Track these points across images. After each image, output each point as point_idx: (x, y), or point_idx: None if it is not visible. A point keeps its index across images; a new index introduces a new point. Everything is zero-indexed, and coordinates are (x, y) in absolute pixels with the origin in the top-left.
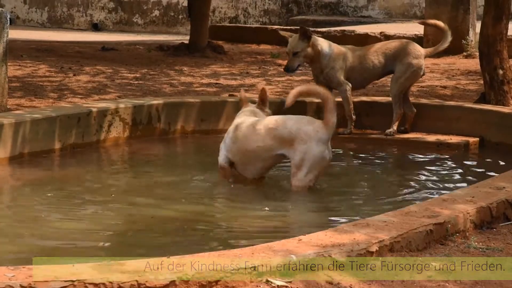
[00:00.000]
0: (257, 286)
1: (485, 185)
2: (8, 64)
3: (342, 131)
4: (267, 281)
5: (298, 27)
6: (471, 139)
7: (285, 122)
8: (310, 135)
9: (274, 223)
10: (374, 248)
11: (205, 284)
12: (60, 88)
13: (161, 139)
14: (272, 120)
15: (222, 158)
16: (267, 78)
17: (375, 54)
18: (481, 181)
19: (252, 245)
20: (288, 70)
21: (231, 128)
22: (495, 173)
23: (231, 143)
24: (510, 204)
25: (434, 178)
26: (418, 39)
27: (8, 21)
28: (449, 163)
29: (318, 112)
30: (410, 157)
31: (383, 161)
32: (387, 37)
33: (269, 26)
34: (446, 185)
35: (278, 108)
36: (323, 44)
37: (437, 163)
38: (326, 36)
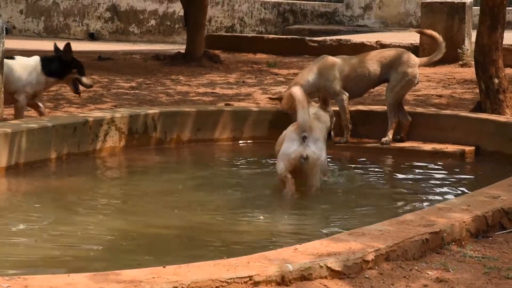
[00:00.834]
0: None
1: (480, 194)
2: None
3: (339, 140)
4: None
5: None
6: (467, 148)
7: None
8: None
9: (269, 232)
10: (370, 257)
11: None
12: (56, 97)
13: (157, 149)
14: None
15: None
16: (263, 87)
17: (370, 62)
18: (476, 190)
19: (248, 254)
20: None
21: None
22: (491, 182)
23: None
24: (505, 213)
25: (430, 186)
26: (414, 48)
27: (4, 31)
28: (445, 171)
29: None
30: (406, 165)
31: (379, 170)
32: (383, 46)
33: (266, 36)
34: (441, 193)
35: (274, 117)
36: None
37: (433, 172)
38: (322, 45)
